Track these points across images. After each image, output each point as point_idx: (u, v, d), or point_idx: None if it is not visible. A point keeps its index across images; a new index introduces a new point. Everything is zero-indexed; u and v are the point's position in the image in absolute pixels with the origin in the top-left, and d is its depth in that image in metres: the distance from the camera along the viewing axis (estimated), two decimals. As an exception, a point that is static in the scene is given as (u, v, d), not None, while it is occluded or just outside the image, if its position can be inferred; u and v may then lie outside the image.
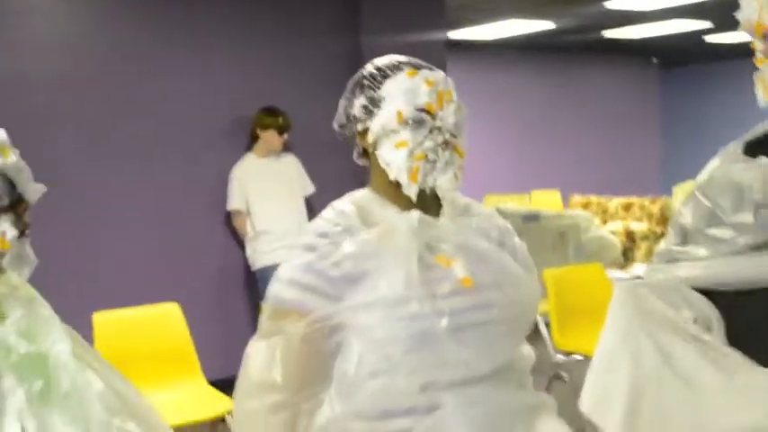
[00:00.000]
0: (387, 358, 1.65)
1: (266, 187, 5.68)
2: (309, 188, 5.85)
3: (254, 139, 5.73)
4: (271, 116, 5.65)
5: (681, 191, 10.86)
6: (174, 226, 5.67)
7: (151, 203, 5.58)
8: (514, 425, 1.72)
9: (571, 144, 13.45)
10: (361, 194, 1.83)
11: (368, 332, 1.66)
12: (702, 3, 8.97)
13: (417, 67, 1.79)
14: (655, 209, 10.99)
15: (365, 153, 1.84)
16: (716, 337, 1.46)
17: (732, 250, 1.56)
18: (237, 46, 5.87)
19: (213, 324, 5.58)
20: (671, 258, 1.69)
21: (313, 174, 5.84)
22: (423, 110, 1.74)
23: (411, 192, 1.74)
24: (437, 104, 1.74)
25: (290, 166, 5.81)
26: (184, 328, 4.08)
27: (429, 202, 1.80)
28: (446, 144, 1.74)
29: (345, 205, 1.80)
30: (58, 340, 1.30)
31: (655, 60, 14.96)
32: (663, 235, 10.64)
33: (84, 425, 1.24)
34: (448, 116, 1.75)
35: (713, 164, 1.71)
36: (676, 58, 14.65)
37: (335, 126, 1.88)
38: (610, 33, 11.52)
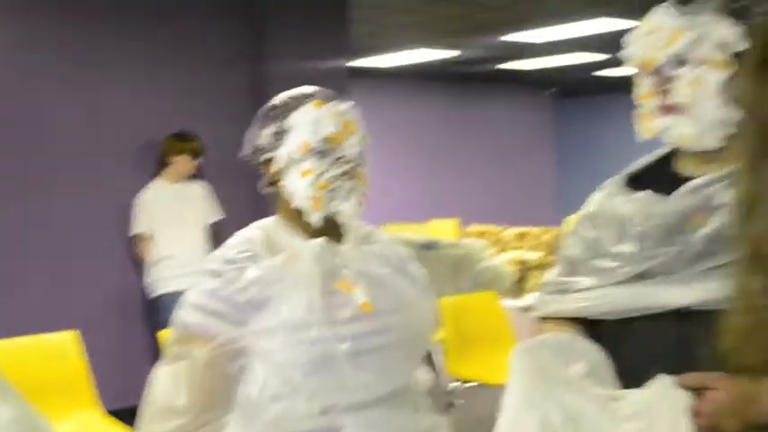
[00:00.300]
0: (288, 382, 1.70)
1: (173, 213, 5.62)
2: (217, 215, 5.82)
3: (163, 164, 5.67)
4: (184, 141, 5.62)
5: (570, 222, 11.20)
6: (75, 252, 5.57)
7: (53, 228, 5.48)
8: None
9: (470, 173, 13.72)
10: (268, 222, 1.89)
11: (270, 356, 1.71)
12: (592, 37, 9.34)
13: (324, 99, 1.86)
14: (548, 239, 11.30)
15: (272, 182, 1.90)
16: (607, 384, 1.53)
17: (616, 280, 1.65)
18: (145, 71, 5.84)
19: (112, 352, 5.50)
20: (559, 289, 1.79)
21: (220, 200, 5.83)
22: (327, 140, 1.80)
23: (314, 219, 1.81)
24: (342, 135, 1.82)
25: (199, 193, 5.77)
26: (80, 358, 4.03)
27: (332, 230, 1.87)
28: (349, 173, 1.82)
29: (252, 232, 1.85)
30: None
31: (549, 92, 15.42)
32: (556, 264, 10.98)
33: None
34: (352, 146, 1.83)
35: (596, 197, 1.81)
36: (570, 89, 15.15)
37: (244, 155, 1.93)
38: (507, 65, 11.86)
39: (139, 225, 5.61)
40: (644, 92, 1.68)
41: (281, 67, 6.11)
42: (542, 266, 10.98)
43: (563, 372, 1.49)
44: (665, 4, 1.67)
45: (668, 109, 1.63)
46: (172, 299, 5.42)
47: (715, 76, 1.60)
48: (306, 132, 1.81)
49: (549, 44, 9.86)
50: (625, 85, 12.24)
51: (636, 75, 1.70)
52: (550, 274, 1.86)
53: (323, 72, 6.24)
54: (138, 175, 5.70)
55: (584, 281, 1.72)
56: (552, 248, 11.18)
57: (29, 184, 5.38)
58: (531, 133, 15.33)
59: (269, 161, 1.87)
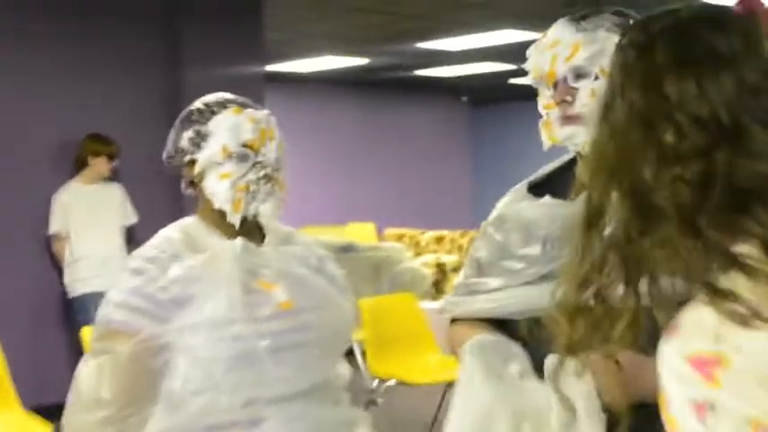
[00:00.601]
0: (210, 377, 1.78)
1: (90, 214, 5.66)
2: (132, 218, 5.85)
3: (80, 165, 5.69)
4: (102, 143, 5.65)
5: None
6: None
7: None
8: None
9: (386, 178, 13.84)
10: (189, 222, 1.96)
11: (193, 352, 1.79)
12: (505, 46, 9.55)
13: (243, 106, 1.95)
14: (465, 242, 11.50)
15: (192, 183, 1.97)
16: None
17: (523, 281, 1.74)
18: (63, 72, 5.86)
19: (28, 351, 5.47)
20: (469, 291, 1.86)
21: (135, 203, 5.87)
22: (246, 146, 1.88)
23: (234, 220, 1.88)
24: (260, 141, 1.90)
25: (115, 194, 5.81)
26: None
27: (253, 231, 1.95)
28: (267, 177, 1.90)
29: (172, 232, 1.92)
30: None
31: (464, 99, 15.66)
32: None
33: None
34: (269, 152, 1.91)
35: (503, 202, 1.91)
36: (484, 96, 15.42)
37: (164, 157, 1.99)
38: (422, 72, 12.02)
39: (56, 225, 5.62)
40: (546, 102, 1.78)
41: (197, 73, 6.16)
42: (459, 269, 11.18)
43: (504, 370, 1.61)
44: (565, 19, 1.78)
45: (570, 119, 1.73)
46: (89, 299, 5.44)
47: None
48: (225, 137, 1.88)
49: (462, 53, 10.04)
50: (536, 92, 12.51)
51: (538, 85, 1.80)
52: (459, 277, 1.94)
53: (239, 77, 6.29)
54: (55, 175, 5.70)
55: (493, 282, 1.81)
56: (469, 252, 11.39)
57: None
58: (447, 139, 15.54)
59: (190, 163, 1.94)
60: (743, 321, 0.98)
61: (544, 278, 1.71)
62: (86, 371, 1.82)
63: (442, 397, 5.46)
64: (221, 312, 1.79)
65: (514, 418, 1.55)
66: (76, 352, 5.63)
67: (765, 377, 0.96)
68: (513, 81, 13.12)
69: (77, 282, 5.57)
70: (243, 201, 1.88)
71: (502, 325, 1.80)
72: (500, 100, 15.80)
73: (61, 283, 5.70)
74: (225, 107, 1.93)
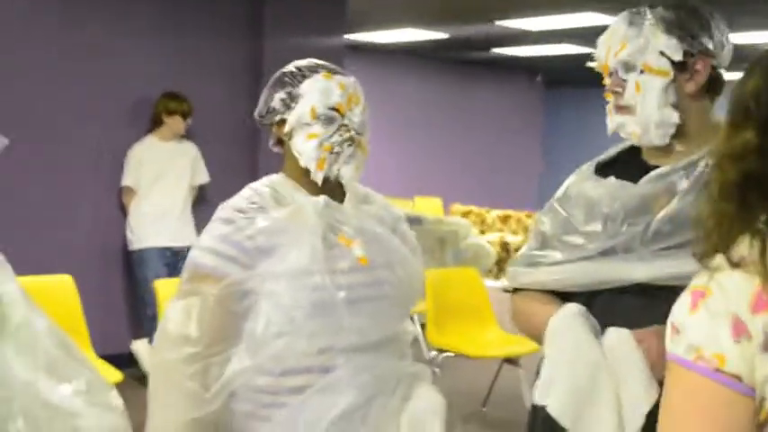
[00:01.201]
0: (291, 321, 1.89)
1: (163, 170, 5.80)
2: (205, 177, 5.99)
3: (156, 122, 5.84)
4: (177, 101, 5.78)
5: (553, 207, 11.40)
6: (68, 200, 5.76)
7: (55, 173, 5.67)
8: (396, 388, 1.98)
9: (457, 154, 13.90)
10: (275, 178, 2.07)
11: (275, 298, 1.90)
12: (587, 28, 9.52)
13: (333, 72, 2.05)
14: (530, 223, 11.53)
15: (280, 142, 2.08)
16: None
17: (584, 255, 1.85)
18: (149, 34, 6.01)
19: (96, 298, 5.66)
20: (531, 262, 1.98)
21: (210, 163, 6.01)
22: (334, 109, 1.99)
23: (317, 178, 1.99)
24: (347, 105, 2.01)
25: (189, 153, 5.95)
26: (77, 301, 4.19)
27: (334, 189, 2.05)
28: (351, 140, 2.00)
29: (261, 186, 2.04)
30: (6, 281, 1.48)
31: (539, 79, 15.61)
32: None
33: (33, 355, 1.44)
34: (355, 116, 2.02)
35: (569, 180, 2.02)
36: (560, 78, 15.34)
37: (256, 115, 2.11)
38: (499, 50, 12.02)
39: (128, 178, 5.79)
40: (606, 91, 1.90)
41: (279, 40, 6.28)
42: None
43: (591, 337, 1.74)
44: (627, 11, 1.90)
45: (621, 109, 1.85)
46: (147, 254, 5.64)
47: (657, 82, 1.81)
48: (315, 99, 1.99)
49: (542, 32, 10.03)
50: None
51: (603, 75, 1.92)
52: (524, 248, 2.06)
53: (321, 46, 6.40)
54: (134, 129, 5.88)
55: (555, 255, 1.92)
56: (534, 233, 11.41)
57: (32, 130, 5.54)
58: (519, 119, 15.52)
59: (280, 122, 2.05)
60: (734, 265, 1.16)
61: (603, 254, 1.82)
62: (174, 311, 1.93)
63: (497, 371, 5.56)
64: (304, 262, 1.90)
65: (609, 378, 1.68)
66: (134, 304, 5.86)
67: (730, 312, 1.12)
68: (589, 64, 13.03)
69: (137, 235, 5.74)
70: (327, 160, 1.98)
71: (561, 297, 1.91)
72: (575, 83, 15.71)
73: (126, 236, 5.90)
74: (316, 71, 2.04)
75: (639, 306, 1.77)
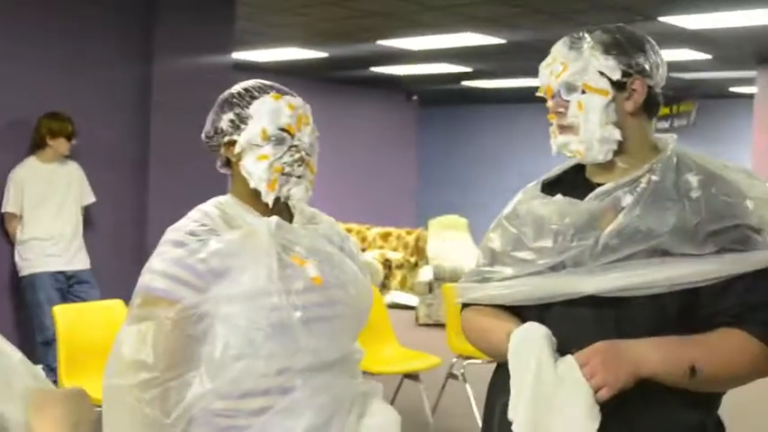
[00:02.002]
0: (250, 343, 1.88)
1: (47, 193, 5.62)
2: (90, 197, 5.84)
3: (38, 145, 5.64)
4: (60, 122, 5.59)
5: (435, 224, 11.59)
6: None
7: None
8: (351, 407, 2.00)
9: (336, 172, 13.93)
10: (224, 200, 2.06)
11: (232, 320, 1.89)
12: (462, 49, 9.75)
13: (282, 93, 2.06)
14: (411, 240, 11.68)
15: (228, 163, 2.07)
16: None
17: (534, 270, 1.91)
18: (33, 55, 5.84)
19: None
20: (481, 278, 2.04)
21: (92, 184, 5.86)
22: (284, 130, 2.00)
23: (269, 199, 1.99)
24: (296, 126, 2.02)
25: (74, 174, 5.78)
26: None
27: (282, 210, 2.06)
28: (302, 161, 2.02)
29: (210, 208, 2.03)
30: None
31: (414, 98, 15.85)
32: (417, 264, 11.26)
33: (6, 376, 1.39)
34: (305, 137, 2.03)
35: (516, 198, 2.08)
36: (435, 97, 15.62)
37: (203, 136, 2.10)
38: (378, 69, 12.16)
39: (10, 204, 5.59)
40: (550, 113, 1.98)
41: (168, 61, 6.19)
42: (404, 266, 11.35)
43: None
44: (566, 37, 1.97)
45: (564, 128, 1.93)
46: (37, 279, 5.45)
47: (597, 101, 1.90)
48: (265, 121, 2.00)
49: (420, 52, 10.21)
50: (484, 96, 12.90)
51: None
52: (474, 265, 2.11)
53: (208, 65, 6.33)
54: (9, 151, 5.67)
55: (506, 270, 1.97)
56: (414, 249, 11.56)
57: None
58: (396, 137, 15.70)
59: (228, 144, 2.04)
60: None
61: (554, 269, 1.88)
62: (129, 336, 1.89)
63: (398, 387, 5.62)
64: (260, 283, 1.89)
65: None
66: (24, 331, 5.65)
67: None
68: (465, 83, 13.34)
69: (28, 261, 5.55)
70: (278, 182, 1.99)
71: (512, 311, 1.96)
72: (449, 102, 16.03)
73: (12, 262, 5.68)
74: (265, 92, 2.04)
75: (590, 317, 1.83)
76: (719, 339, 1.79)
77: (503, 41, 9.15)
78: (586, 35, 1.95)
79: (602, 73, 1.90)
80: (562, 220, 1.89)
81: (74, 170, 5.77)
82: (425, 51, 10.10)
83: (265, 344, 1.89)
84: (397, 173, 15.71)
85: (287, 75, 11.22)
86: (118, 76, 6.15)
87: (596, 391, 1.70)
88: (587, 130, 1.90)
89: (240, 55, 10.40)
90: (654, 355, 1.75)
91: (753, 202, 1.85)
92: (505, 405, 1.82)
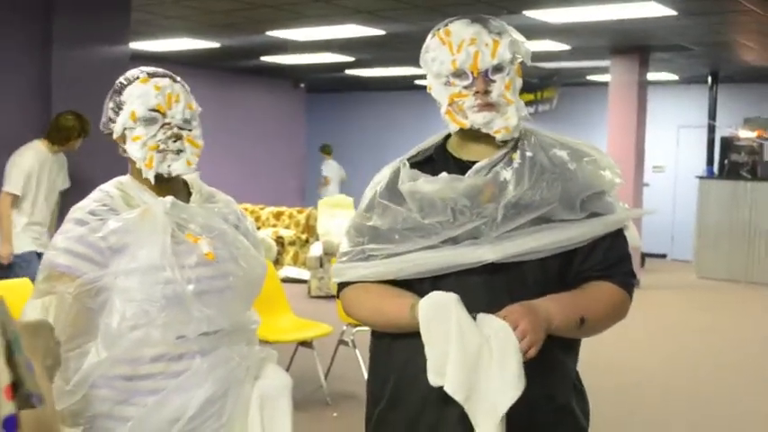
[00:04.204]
0: (145, 314, 1.89)
1: (46, 180, 5.55)
2: (67, 182, 5.75)
3: (57, 137, 5.52)
4: (87, 125, 5.45)
5: (324, 203, 11.60)
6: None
7: None
8: (248, 374, 2.01)
9: (229, 156, 13.79)
10: (124, 180, 2.05)
11: (129, 293, 1.89)
12: (346, 40, 9.76)
13: (151, 75, 2.04)
14: (302, 218, 11.66)
15: (122, 148, 2.06)
16: None
17: (429, 245, 1.87)
18: None
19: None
20: (364, 256, 1.95)
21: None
22: (154, 110, 2.00)
23: (149, 176, 1.99)
24: (166, 105, 2.01)
25: (62, 161, 5.70)
26: None
27: (179, 189, 2.06)
28: (176, 136, 2.01)
29: (111, 188, 2.02)
30: None
31: (302, 85, 15.80)
32: (308, 241, 11.25)
33: None
34: (177, 113, 2.02)
35: (384, 178, 2.01)
36: (321, 85, 15.61)
37: (101, 127, 2.08)
38: (267, 58, 12.05)
39: (14, 185, 5.44)
40: (455, 92, 1.90)
41: (67, 53, 6.00)
42: (296, 243, 11.35)
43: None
44: (468, 20, 1.92)
45: (488, 106, 1.87)
46: (32, 256, 5.30)
47: (518, 82, 1.92)
48: (134, 104, 2.00)
49: (307, 43, 10.17)
50: (366, 84, 12.95)
51: (440, 77, 1.92)
52: (344, 246, 2.02)
53: (106, 56, 6.16)
54: None
55: (391, 247, 1.91)
56: (305, 227, 11.56)
57: None
58: (286, 122, 15.64)
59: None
60: None
61: (453, 241, 1.86)
62: (33, 309, 1.88)
63: (293, 354, 5.64)
64: (155, 259, 1.90)
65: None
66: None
67: None
68: (349, 72, 13.35)
69: (21, 240, 5.48)
70: (154, 159, 1.98)
71: (402, 286, 1.91)
72: (334, 89, 16.04)
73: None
74: (136, 78, 2.03)
75: (482, 283, 1.84)
76: (596, 291, 1.90)
77: (383, 32, 9.21)
78: (490, 20, 1.92)
79: (516, 55, 1.91)
80: (455, 195, 1.86)
81: (62, 157, 5.68)
82: (312, 42, 10.06)
83: (160, 314, 1.90)
84: (287, 156, 15.66)
85: (182, 64, 11.00)
86: (16, 69, 5.91)
87: (527, 350, 1.72)
88: (517, 108, 1.90)
89: (138, 45, 10.16)
90: (557, 313, 1.80)
91: (607, 171, 1.95)
92: (409, 375, 1.85)
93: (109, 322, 1.89)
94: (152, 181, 1.99)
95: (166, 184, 2.02)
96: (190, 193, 2.10)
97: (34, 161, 5.48)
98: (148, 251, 1.91)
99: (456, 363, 1.71)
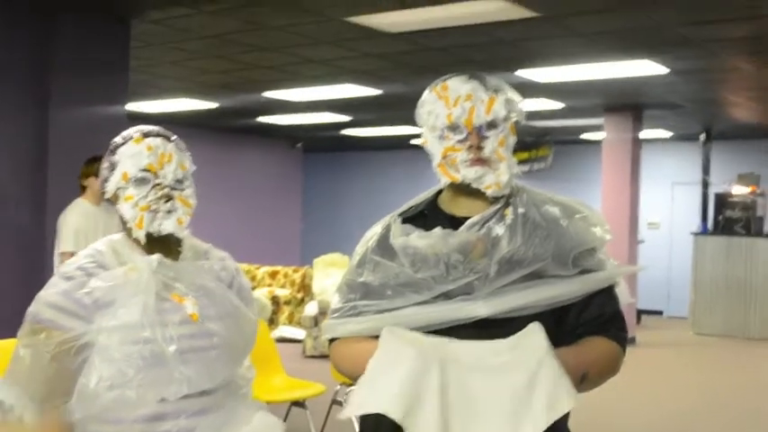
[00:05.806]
0: (122, 374, 1.85)
1: (104, 233, 5.40)
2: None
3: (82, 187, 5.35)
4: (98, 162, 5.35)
5: (320, 262, 11.55)
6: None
7: None
8: (237, 424, 1.98)
9: (227, 216, 13.79)
10: (116, 238, 2.04)
11: (108, 352, 1.85)
12: (342, 100, 9.84)
13: (144, 135, 2.03)
14: (297, 277, 11.61)
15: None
16: None
17: (422, 300, 1.85)
18: None
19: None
20: (356, 312, 1.92)
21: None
22: (145, 170, 1.98)
23: (140, 236, 1.97)
24: (158, 165, 2.00)
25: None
26: None
27: (170, 247, 2.03)
28: (167, 197, 1.99)
29: (102, 246, 2.01)
30: None
31: (299, 145, 15.89)
32: (303, 300, 11.18)
33: None
34: (168, 173, 2.01)
35: (375, 234, 2.00)
36: (317, 144, 15.70)
37: (99, 186, 2.08)
38: (264, 119, 12.14)
39: (70, 243, 5.21)
40: (449, 145, 1.90)
41: (64, 111, 6.02)
42: (291, 302, 11.28)
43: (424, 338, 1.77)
44: (464, 77, 1.93)
45: (480, 162, 1.87)
46: None
47: (512, 139, 1.92)
48: (127, 165, 1.99)
49: (303, 103, 10.25)
50: (362, 143, 13.03)
51: (434, 130, 1.93)
52: (336, 302, 1.99)
53: (103, 116, 6.17)
54: None
55: (383, 303, 1.89)
56: (300, 286, 11.50)
57: None
58: (282, 182, 15.69)
59: None
60: None
61: (445, 296, 1.84)
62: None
63: (286, 414, 5.56)
64: (135, 317, 1.87)
65: (441, 363, 1.69)
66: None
67: None
68: (345, 132, 13.44)
69: None
70: (145, 219, 1.97)
71: None
72: (330, 148, 16.13)
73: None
74: (130, 138, 2.02)
75: (474, 337, 1.79)
76: (596, 347, 1.88)
77: (379, 92, 9.28)
78: (486, 77, 1.93)
79: (510, 112, 1.92)
80: (448, 250, 1.84)
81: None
82: (308, 102, 10.14)
83: (137, 375, 1.86)
84: (283, 215, 15.67)
85: (179, 125, 11.07)
86: (13, 129, 5.92)
87: None
88: (509, 164, 1.90)
89: (135, 106, 10.24)
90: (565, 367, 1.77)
91: (598, 228, 1.94)
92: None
93: (86, 382, 1.86)
94: (142, 240, 1.97)
95: (157, 243, 2.00)
96: (179, 251, 2.07)
97: (78, 217, 5.35)
98: (128, 310, 1.88)
99: (387, 381, 1.68)
